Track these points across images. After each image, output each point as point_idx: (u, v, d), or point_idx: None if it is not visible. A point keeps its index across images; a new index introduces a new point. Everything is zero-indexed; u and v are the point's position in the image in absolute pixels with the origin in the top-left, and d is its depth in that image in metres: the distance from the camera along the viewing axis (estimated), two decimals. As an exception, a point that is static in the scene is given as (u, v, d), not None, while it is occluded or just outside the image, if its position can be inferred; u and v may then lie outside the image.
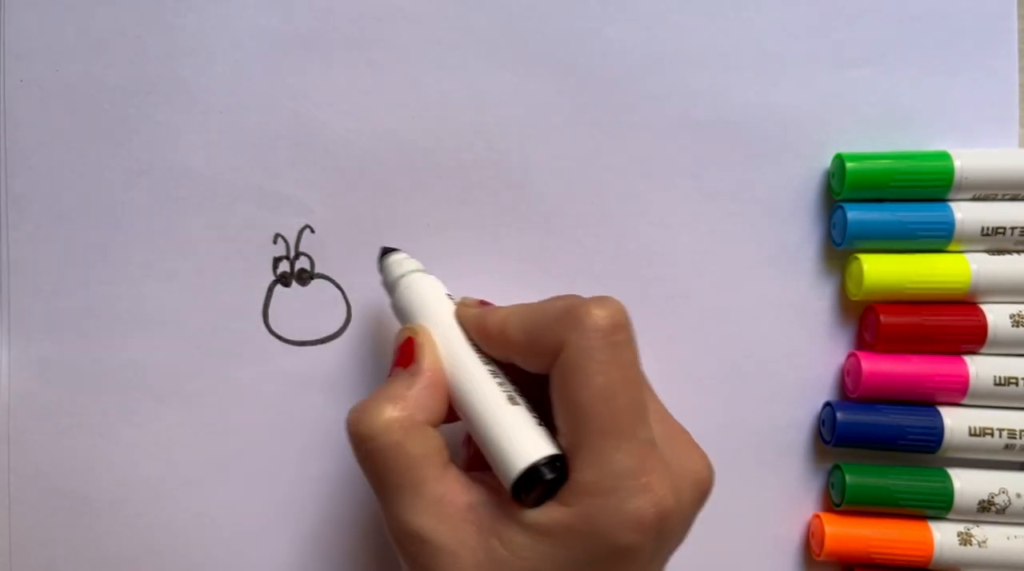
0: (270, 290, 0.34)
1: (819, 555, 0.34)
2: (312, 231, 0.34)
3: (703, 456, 0.27)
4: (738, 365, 0.35)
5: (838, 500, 0.34)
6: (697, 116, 0.34)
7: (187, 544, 0.34)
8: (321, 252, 0.34)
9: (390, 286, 0.31)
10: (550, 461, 0.25)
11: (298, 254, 0.34)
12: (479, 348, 0.28)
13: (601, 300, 0.25)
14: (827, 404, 0.34)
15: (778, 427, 0.35)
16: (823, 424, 0.34)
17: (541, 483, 0.24)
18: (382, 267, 0.32)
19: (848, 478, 0.33)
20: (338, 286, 0.35)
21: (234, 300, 0.34)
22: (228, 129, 0.34)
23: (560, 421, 0.25)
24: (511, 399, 0.26)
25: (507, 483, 0.25)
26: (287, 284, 0.34)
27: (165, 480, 0.34)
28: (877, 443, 0.33)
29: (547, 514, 0.24)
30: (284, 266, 0.34)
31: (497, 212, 0.35)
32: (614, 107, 0.34)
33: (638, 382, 0.25)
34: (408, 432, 0.26)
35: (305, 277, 0.35)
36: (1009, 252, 0.33)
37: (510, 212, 0.35)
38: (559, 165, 0.34)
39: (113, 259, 0.34)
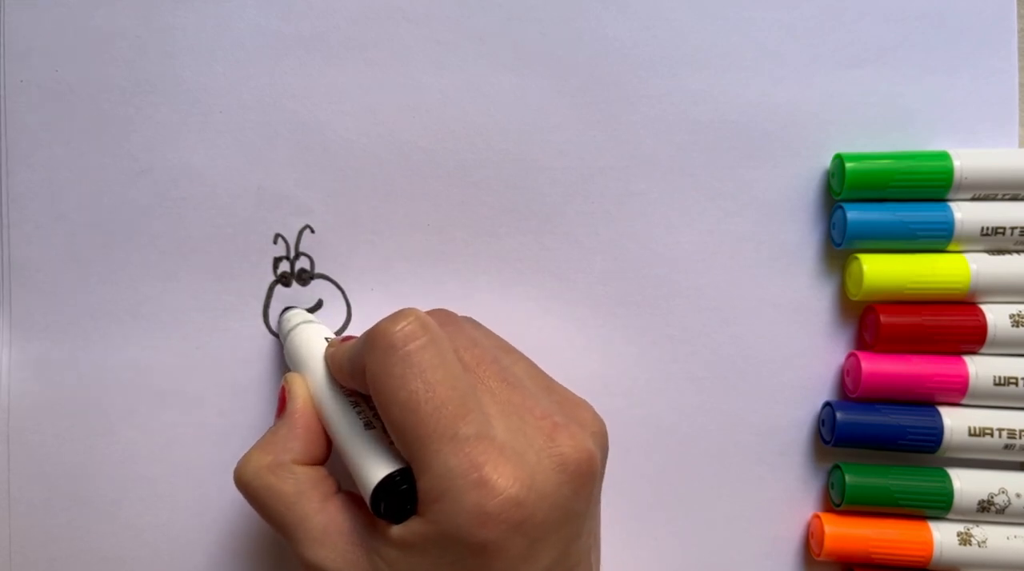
0: (270, 290, 0.34)
1: (819, 555, 0.34)
2: (312, 231, 0.34)
3: (573, 439, 0.26)
4: (738, 365, 0.35)
5: (838, 500, 0.34)
6: (697, 116, 0.34)
7: (187, 544, 0.34)
8: (321, 252, 0.34)
9: (283, 341, 0.33)
10: (401, 474, 0.25)
11: (298, 254, 0.34)
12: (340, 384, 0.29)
13: (394, 315, 0.26)
14: (827, 404, 0.34)
15: (778, 427, 0.35)
16: (823, 424, 0.34)
17: (396, 497, 0.25)
18: (278, 326, 0.34)
19: (848, 478, 0.33)
20: (338, 286, 0.35)
21: (234, 300, 0.34)
22: (228, 129, 0.34)
23: (392, 438, 0.26)
24: (368, 424, 0.27)
25: (368, 503, 0.26)
26: (287, 284, 0.35)
27: (165, 480, 0.34)
28: (877, 443, 0.33)
29: (406, 528, 0.25)
30: (284, 266, 0.34)
31: (497, 212, 0.35)
32: (614, 107, 0.34)
33: (449, 381, 0.25)
34: (276, 473, 0.28)
35: (305, 277, 0.35)
36: (1009, 252, 0.33)
37: (510, 212, 0.35)
38: (559, 165, 0.34)
39: (113, 259, 0.34)
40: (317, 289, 0.35)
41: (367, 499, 0.26)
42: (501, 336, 0.31)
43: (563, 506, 0.25)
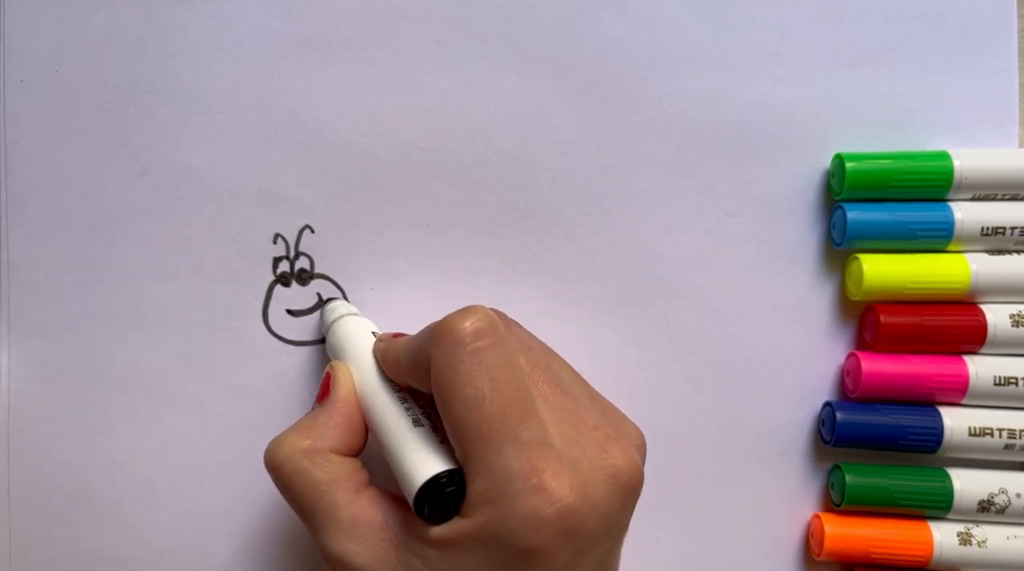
0: (270, 290, 0.34)
1: (819, 555, 0.34)
2: (312, 231, 0.34)
3: (624, 450, 0.26)
4: (738, 365, 0.35)
5: (838, 500, 0.34)
6: (697, 116, 0.34)
7: (186, 544, 0.34)
8: (321, 252, 0.34)
9: (324, 331, 0.33)
10: (448, 476, 0.25)
11: (298, 254, 0.34)
12: (390, 378, 0.29)
13: (462, 311, 0.26)
14: (827, 404, 0.34)
15: (778, 427, 0.35)
16: (823, 424, 0.34)
17: (440, 498, 0.25)
18: (320, 315, 0.34)
19: (848, 478, 0.33)
20: (338, 286, 0.35)
21: (234, 300, 0.34)
22: (228, 129, 0.34)
23: (449, 436, 0.26)
24: (416, 421, 0.27)
25: (411, 501, 0.26)
26: (287, 284, 0.35)
27: (165, 480, 0.34)
28: (877, 443, 0.33)
29: (451, 527, 0.25)
30: (284, 266, 0.34)
31: (497, 212, 0.35)
32: (614, 107, 0.34)
33: (515, 383, 0.25)
34: (312, 459, 0.27)
35: (305, 277, 0.35)
36: (1009, 252, 0.33)
37: (510, 212, 0.35)
38: (559, 165, 0.34)
39: (113, 259, 0.34)
40: (317, 289, 0.35)
41: (409, 497, 0.25)
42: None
43: (611, 518, 0.25)
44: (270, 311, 0.34)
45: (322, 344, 0.34)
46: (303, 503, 0.27)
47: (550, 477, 0.24)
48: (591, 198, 0.35)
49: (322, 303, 0.34)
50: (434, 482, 0.25)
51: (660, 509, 0.35)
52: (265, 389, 0.34)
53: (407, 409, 0.28)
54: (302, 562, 0.34)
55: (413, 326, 0.34)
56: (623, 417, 0.29)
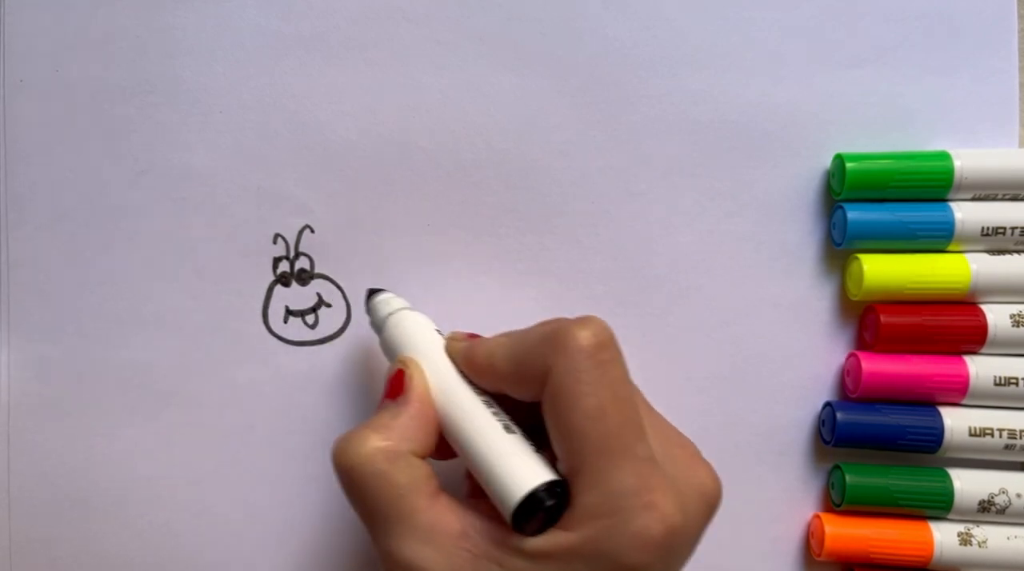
0: (270, 290, 0.34)
1: (819, 555, 0.34)
2: (312, 231, 0.34)
3: (709, 469, 0.27)
4: (738, 365, 0.35)
5: (838, 500, 0.34)
6: (697, 116, 0.34)
7: (187, 544, 0.34)
8: (321, 252, 0.34)
9: (378, 325, 0.31)
10: (549, 487, 0.24)
11: (298, 254, 0.34)
12: (470, 381, 0.28)
13: (584, 320, 0.25)
14: (827, 404, 0.34)
15: (778, 427, 0.35)
16: (823, 424, 0.34)
17: (542, 510, 0.24)
18: (369, 308, 0.32)
19: (848, 478, 0.33)
20: (338, 286, 0.35)
21: (234, 300, 0.34)
22: (228, 129, 0.34)
23: (557, 446, 0.25)
24: (507, 428, 0.26)
25: (507, 512, 0.25)
26: (287, 284, 0.35)
27: (165, 480, 0.34)
28: (877, 443, 0.33)
29: (550, 540, 0.24)
30: (284, 266, 0.34)
31: (497, 212, 0.35)
32: (614, 107, 0.34)
33: (630, 399, 0.25)
34: (393, 461, 0.26)
35: (305, 277, 0.35)
36: (1009, 252, 0.33)
37: (510, 212, 0.35)
38: (559, 165, 0.34)
39: (113, 259, 0.34)
40: (317, 289, 0.35)
41: (507, 506, 0.24)
42: None
43: (697, 535, 0.26)
44: (270, 311, 0.34)
45: (322, 344, 0.34)
46: (377, 506, 0.26)
47: (660, 495, 0.24)
48: (591, 198, 0.35)
49: (370, 294, 0.32)
50: (536, 493, 0.24)
51: (660, 509, 0.35)
52: (265, 389, 0.34)
53: (495, 414, 0.27)
54: (303, 561, 0.34)
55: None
56: (685, 436, 0.29)
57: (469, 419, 0.27)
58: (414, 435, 0.27)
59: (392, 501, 0.25)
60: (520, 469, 0.25)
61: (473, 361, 0.28)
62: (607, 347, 0.25)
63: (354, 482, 0.26)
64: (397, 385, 0.28)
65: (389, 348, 0.30)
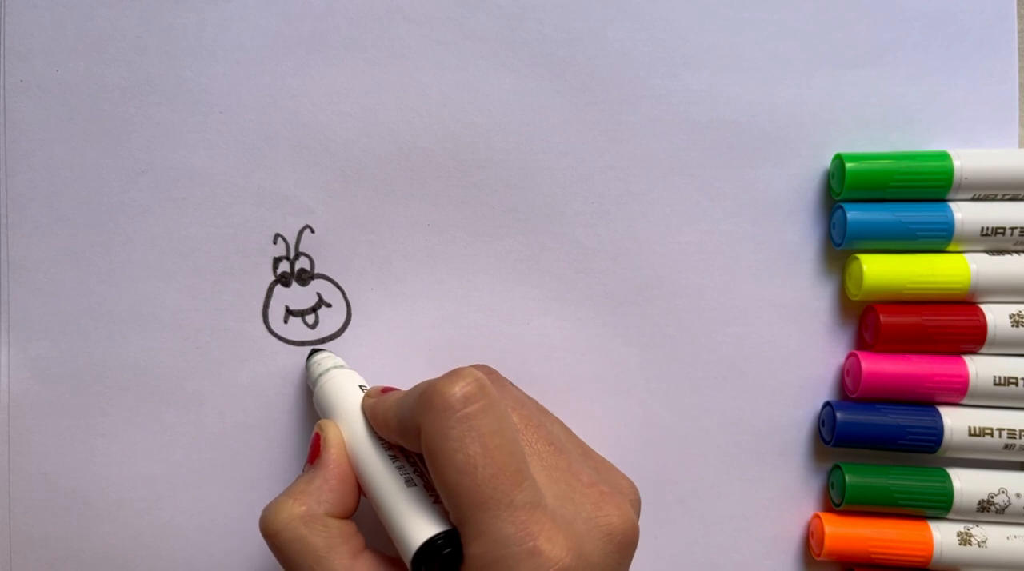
0: (270, 290, 0.34)
1: (819, 555, 0.34)
2: (312, 231, 0.34)
3: (619, 507, 0.26)
4: (738, 365, 0.35)
5: (838, 500, 0.34)
6: (697, 116, 0.34)
7: (187, 544, 0.34)
8: (321, 252, 0.34)
9: (311, 385, 0.33)
10: (444, 537, 0.25)
11: (298, 254, 0.34)
12: (379, 436, 0.29)
13: (451, 375, 0.25)
14: (827, 404, 0.34)
15: (778, 427, 0.35)
16: (823, 424, 0.34)
17: (438, 560, 0.25)
18: (307, 367, 0.34)
19: (848, 478, 0.33)
20: (338, 286, 0.35)
21: (234, 300, 0.34)
22: (228, 129, 0.34)
23: (443, 500, 0.25)
24: (408, 481, 0.27)
25: (408, 564, 0.25)
26: (287, 284, 0.35)
27: (165, 480, 0.34)
28: (877, 443, 0.33)
29: None
30: (284, 266, 0.34)
31: (497, 212, 0.35)
32: (614, 107, 0.34)
33: (507, 447, 0.25)
34: (310, 525, 0.27)
35: (305, 277, 0.35)
36: (1009, 252, 0.33)
37: (510, 212, 0.35)
38: (559, 165, 0.34)
39: (113, 259, 0.34)
40: (317, 289, 0.35)
41: (407, 559, 0.25)
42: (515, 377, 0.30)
43: None
44: (270, 311, 0.34)
45: (322, 344, 0.34)
46: (301, 569, 0.27)
47: (544, 540, 0.24)
48: (591, 198, 0.35)
49: (311, 354, 0.34)
50: (431, 544, 0.25)
51: (660, 509, 0.35)
52: (265, 389, 0.34)
53: (399, 468, 0.27)
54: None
55: (413, 328, 0.35)
56: (617, 472, 0.29)
57: (373, 475, 0.28)
58: (328, 497, 0.28)
59: (312, 564, 0.26)
60: (416, 522, 0.26)
61: (375, 418, 0.29)
62: (474, 399, 0.25)
63: (278, 548, 0.27)
64: (315, 449, 0.29)
65: (318, 407, 0.32)
